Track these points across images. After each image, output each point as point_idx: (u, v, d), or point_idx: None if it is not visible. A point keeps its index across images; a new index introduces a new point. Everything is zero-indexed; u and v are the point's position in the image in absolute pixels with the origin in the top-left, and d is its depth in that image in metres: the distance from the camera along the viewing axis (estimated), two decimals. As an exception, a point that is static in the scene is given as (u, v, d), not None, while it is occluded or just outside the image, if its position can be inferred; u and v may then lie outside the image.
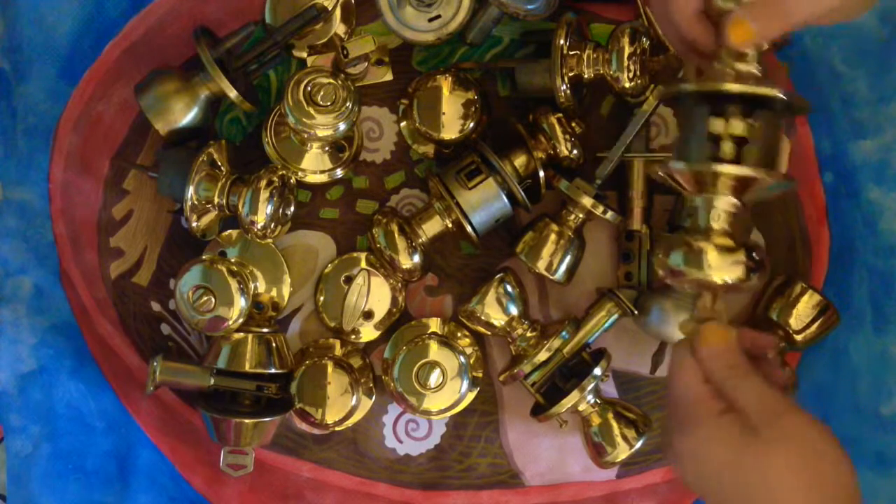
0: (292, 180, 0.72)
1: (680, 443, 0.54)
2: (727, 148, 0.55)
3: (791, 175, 0.58)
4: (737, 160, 0.55)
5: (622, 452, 0.70)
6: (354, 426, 0.75)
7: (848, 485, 0.51)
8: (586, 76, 0.70)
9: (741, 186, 0.56)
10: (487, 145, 0.70)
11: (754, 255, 0.57)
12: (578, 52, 0.69)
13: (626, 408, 0.71)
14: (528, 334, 0.71)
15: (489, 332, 0.72)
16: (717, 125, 0.55)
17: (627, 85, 0.68)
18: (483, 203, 0.70)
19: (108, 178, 0.76)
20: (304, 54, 0.75)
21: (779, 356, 0.60)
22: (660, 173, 0.59)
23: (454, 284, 0.76)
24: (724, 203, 0.57)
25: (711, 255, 0.56)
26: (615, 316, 0.71)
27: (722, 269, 0.56)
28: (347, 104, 0.68)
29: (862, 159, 0.74)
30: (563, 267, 0.71)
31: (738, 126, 0.55)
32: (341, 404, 0.73)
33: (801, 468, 0.50)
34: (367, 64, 0.75)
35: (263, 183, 0.68)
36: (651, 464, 0.76)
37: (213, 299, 0.68)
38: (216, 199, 0.69)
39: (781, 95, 0.55)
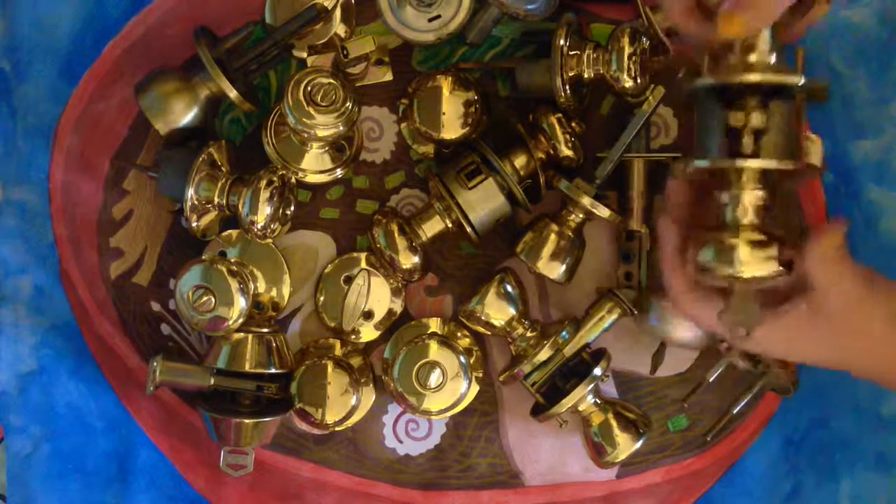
0: (292, 180, 0.72)
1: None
2: (747, 141, 0.54)
3: (811, 163, 0.58)
4: (757, 153, 0.55)
5: (622, 452, 0.70)
6: (354, 426, 0.75)
7: None
8: (586, 76, 0.70)
9: (765, 178, 0.56)
10: (487, 145, 0.70)
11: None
12: (578, 52, 0.69)
13: (626, 408, 0.71)
14: (528, 334, 0.71)
15: (489, 332, 0.72)
16: (735, 118, 0.55)
17: (627, 85, 0.68)
18: (483, 203, 0.70)
19: (108, 178, 0.76)
20: (304, 54, 0.75)
21: None
22: (684, 170, 0.59)
23: (454, 284, 0.76)
24: (751, 197, 0.56)
25: (743, 251, 0.56)
26: (615, 316, 0.71)
27: (753, 264, 0.55)
28: (347, 104, 0.68)
29: (862, 159, 0.74)
30: (563, 267, 0.71)
31: (756, 118, 0.54)
32: (341, 404, 0.73)
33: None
34: (367, 64, 0.75)
35: (263, 183, 0.68)
36: (651, 464, 0.76)
37: (213, 299, 0.68)
38: (216, 199, 0.69)
39: (800, 81, 0.54)
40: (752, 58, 0.55)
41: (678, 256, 0.59)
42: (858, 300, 0.57)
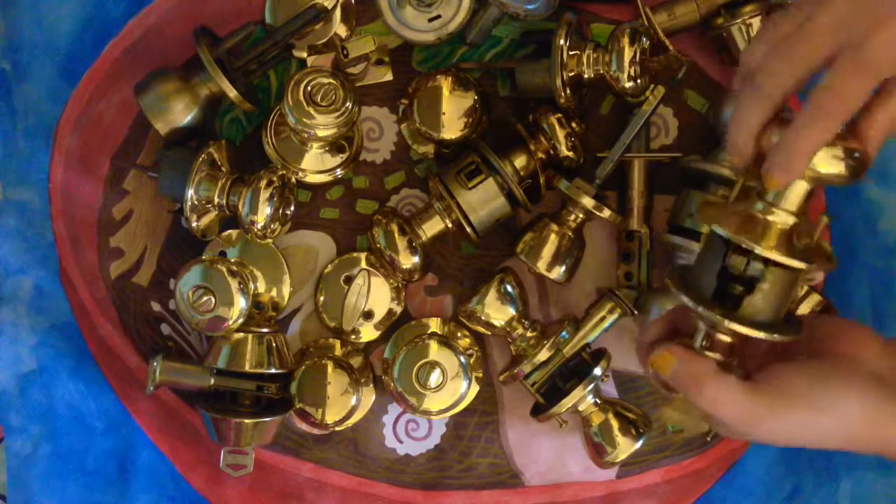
0: (292, 180, 0.72)
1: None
2: (737, 290, 0.54)
3: (798, 327, 0.57)
4: (749, 290, 0.54)
5: (622, 452, 0.70)
6: (354, 426, 0.75)
7: None
8: (586, 76, 0.70)
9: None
10: (487, 145, 0.70)
11: None
12: (578, 53, 0.69)
13: (626, 408, 0.71)
14: (528, 334, 0.71)
15: (489, 332, 0.72)
16: (736, 263, 0.54)
17: (627, 85, 0.68)
18: (483, 203, 0.70)
19: (108, 178, 0.76)
20: (304, 54, 0.75)
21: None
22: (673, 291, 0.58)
23: (454, 284, 0.76)
24: (724, 334, 0.56)
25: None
26: (615, 316, 0.71)
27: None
28: (347, 104, 0.68)
29: (862, 159, 0.74)
30: (563, 267, 0.71)
31: (756, 271, 0.54)
32: (341, 404, 0.73)
33: None
34: (367, 64, 0.75)
35: (263, 183, 0.68)
36: (651, 464, 0.76)
37: (213, 299, 0.68)
38: (216, 199, 0.70)
39: (803, 266, 0.53)
40: (776, 215, 0.54)
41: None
42: None
